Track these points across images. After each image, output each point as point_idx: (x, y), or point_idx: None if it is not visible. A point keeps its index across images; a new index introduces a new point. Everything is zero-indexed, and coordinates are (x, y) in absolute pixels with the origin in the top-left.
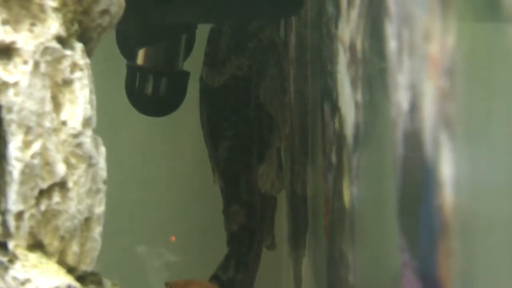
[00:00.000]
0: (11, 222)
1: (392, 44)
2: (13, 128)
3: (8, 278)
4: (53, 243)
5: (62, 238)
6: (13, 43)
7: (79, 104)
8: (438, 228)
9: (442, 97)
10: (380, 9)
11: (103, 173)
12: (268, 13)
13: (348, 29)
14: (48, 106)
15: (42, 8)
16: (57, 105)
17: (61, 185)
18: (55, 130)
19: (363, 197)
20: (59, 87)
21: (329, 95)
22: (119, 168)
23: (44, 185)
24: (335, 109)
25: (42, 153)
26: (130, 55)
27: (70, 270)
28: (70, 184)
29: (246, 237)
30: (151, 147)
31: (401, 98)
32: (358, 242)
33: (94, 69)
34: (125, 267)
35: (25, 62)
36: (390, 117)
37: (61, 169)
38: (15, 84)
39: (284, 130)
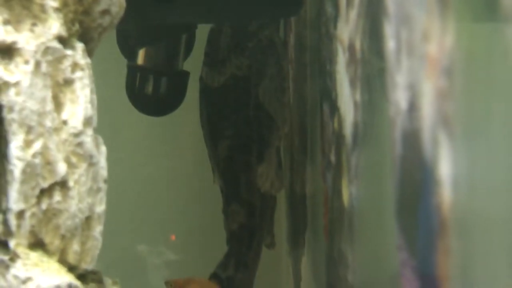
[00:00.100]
0: (12, 221)
1: (390, 44)
2: (14, 127)
3: (9, 276)
4: (54, 241)
5: (63, 237)
6: (14, 43)
7: (80, 104)
8: (436, 227)
9: (441, 97)
10: (378, 9)
11: (103, 172)
12: (268, 13)
13: (347, 29)
14: (49, 106)
15: (43, 8)
16: (58, 105)
17: (62, 184)
18: (56, 130)
19: (362, 197)
20: (60, 86)
21: (328, 95)
22: (120, 167)
23: (45, 184)
24: (334, 108)
25: (43, 152)
26: (130, 55)
27: (71, 268)
28: (71, 183)
29: (245, 236)
30: (152, 147)
31: (400, 97)
32: (357, 241)
33: (94, 69)
34: (125, 266)
35: (26, 62)
36: (389, 117)
37: (62, 168)
38: (16, 83)
39: (283, 129)
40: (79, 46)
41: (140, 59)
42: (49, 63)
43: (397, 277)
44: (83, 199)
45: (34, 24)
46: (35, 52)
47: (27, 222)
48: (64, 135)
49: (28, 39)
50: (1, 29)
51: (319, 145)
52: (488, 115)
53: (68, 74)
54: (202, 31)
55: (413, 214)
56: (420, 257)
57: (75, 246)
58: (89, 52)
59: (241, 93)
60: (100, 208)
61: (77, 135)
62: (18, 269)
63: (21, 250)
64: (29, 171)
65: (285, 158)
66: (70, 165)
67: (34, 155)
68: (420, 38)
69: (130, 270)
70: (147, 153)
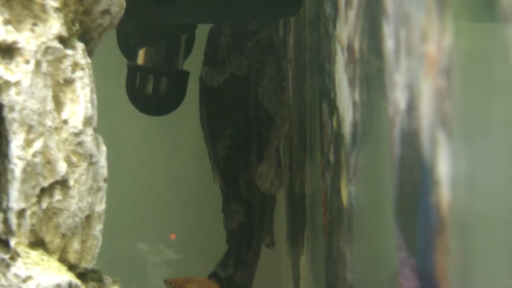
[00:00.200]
0: (13, 220)
1: (389, 44)
2: (14, 127)
3: (10, 275)
4: (54, 240)
5: (63, 236)
6: (15, 42)
7: (80, 103)
8: (435, 226)
9: (439, 96)
10: (377, 9)
11: (104, 171)
12: (267, 13)
13: (346, 29)
14: (50, 105)
15: (43, 8)
16: (58, 104)
17: (62, 183)
18: (57, 129)
19: (361, 196)
20: (61, 86)
21: (327, 95)
22: (120, 167)
23: (46, 183)
24: (333, 108)
25: (44, 151)
26: (130, 55)
27: (71, 267)
28: (71, 182)
29: (245, 235)
30: (152, 146)
31: (399, 97)
32: (356, 240)
33: (95, 69)
34: (125, 265)
35: (27, 62)
36: (387, 116)
37: (62, 167)
38: (17, 83)
39: (282, 129)
40: (80, 46)
41: (140, 59)
42: (50, 62)
43: (396, 276)
44: (83, 198)
45: (34, 24)
46: (36, 51)
47: (28, 221)
48: (64, 134)
49: (29, 39)
50: (2, 29)
51: (318, 144)
52: (486, 114)
53: (68, 73)
54: (202, 31)
55: (412, 213)
56: (419, 256)
57: (75, 245)
58: (89, 51)
59: (241, 93)
60: (100, 207)
61: (77, 134)
62: (18, 268)
63: (22, 249)
64: (30, 170)
65: (285, 157)
66: (71, 164)
67: (34, 154)
68: (418, 38)
69: (130, 269)
70: (147, 152)
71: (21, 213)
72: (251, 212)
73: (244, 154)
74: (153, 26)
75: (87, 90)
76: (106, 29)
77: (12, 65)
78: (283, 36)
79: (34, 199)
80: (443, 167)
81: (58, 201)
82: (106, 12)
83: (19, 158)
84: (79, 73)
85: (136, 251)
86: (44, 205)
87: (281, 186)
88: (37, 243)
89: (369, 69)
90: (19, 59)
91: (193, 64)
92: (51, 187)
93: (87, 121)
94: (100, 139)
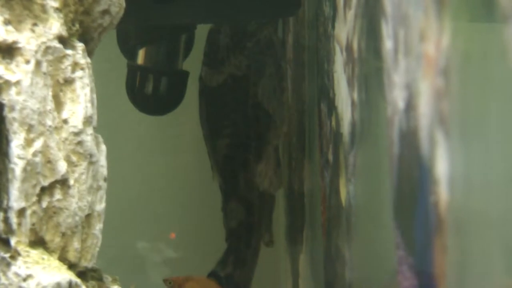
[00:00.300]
0: (13, 219)
1: (388, 44)
2: (15, 126)
3: (10, 274)
4: (54, 239)
5: (63, 235)
6: (15, 42)
7: (80, 103)
8: (433, 225)
9: (437, 96)
10: (376, 9)
11: (103, 170)
12: (266, 13)
13: (345, 29)
14: (50, 105)
15: (43, 8)
16: (58, 104)
17: (62, 183)
18: (57, 129)
19: (359, 195)
20: (61, 86)
21: (326, 94)
22: (120, 166)
23: (46, 182)
24: (332, 107)
25: (44, 151)
26: (130, 54)
27: (71, 266)
28: (71, 181)
29: (244, 234)
30: (151, 145)
31: (397, 97)
32: (355, 239)
33: (95, 68)
34: (125, 263)
35: (27, 61)
36: (386, 116)
37: (62, 166)
38: (17, 83)
39: (281, 128)
40: (79, 45)
41: (140, 58)
42: (50, 62)
43: (394, 275)
44: (83, 197)
45: (34, 24)
46: (36, 51)
47: (28, 220)
48: (64, 134)
49: (29, 39)
50: (2, 29)
51: (317, 143)
52: (484, 114)
53: (68, 73)
54: (202, 31)
55: (410, 212)
56: (417, 255)
57: (75, 244)
58: (89, 51)
59: (240, 93)
60: (100, 206)
61: (77, 134)
62: (19, 267)
63: (22, 248)
64: (30, 170)
65: (284, 156)
66: (70, 164)
67: (34, 154)
68: (417, 38)
69: (130, 267)
70: (147, 151)
71: (21, 212)
72: (250, 211)
73: (244, 153)
74: (153, 26)
75: (87, 90)
76: (106, 29)
77: (13, 65)
78: (282, 36)
79: (34, 198)
80: (441, 166)
81: (58, 200)
82: (106, 12)
83: (20, 158)
84: (79, 73)
85: (136, 250)
86: (44, 204)
87: (280, 185)
88: (37, 242)
89: (367, 69)
90: (19, 59)
91: (193, 64)
92: (51, 186)
93: (87, 121)
94: (100, 139)
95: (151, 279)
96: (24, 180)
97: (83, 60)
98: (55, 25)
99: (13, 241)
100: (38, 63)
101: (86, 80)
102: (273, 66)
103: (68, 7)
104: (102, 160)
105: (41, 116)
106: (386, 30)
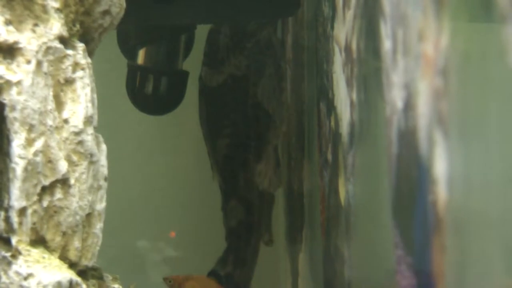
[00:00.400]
0: (14, 218)
1: (387, 44)
2: (16, 126)
3: (11, 273)
4: (55, 238)
5: (64, 234)
6: (16, 43)
7: (80, 103)
8: (432, 224)
9: (436, 96)
10: (375, 9)
11: (104, 170)
12: (266, 13)
13: (344, 29)
14: (50, 105)
15: (44, 9)
16: (59, 104)
17: (63, 182)
18: (57, 128)
19: (358, 194)
20: (61, 86)
21: (325, 94)
22: (120, 165)
23: (46, 182)
24: (331, 108)
25: (44, 150)
26: (131, 54)
27: (72, 265)
28: (72, 181)
29: (244, 233)
30: (151, 145)
31: (396, 97)
32: (354, 238)
33: (95, 68)
34: (125, 262)
35: (28, 62)
36: (385, 116)
37: (63, 166)
38: (18, 83)
39: (281, 128)
40: (80, 46)
41: (140, 58)
42: (50, 62)
43: (393, 274)
44: (84, 196)
45: (35, 24)
46: (37, 51)
47: (29, 219)
48: (65, 133)
49: (30, 39)
50: (3, 29)
51: (316, 143)
52: (483, 114)
53: (69, 73)
54: (202, 31)
55: (409, 211)
56: (416, 254)
57: (76, 243)
58: (89, 52)
59: (240, 93)
60: (101, 205)
61: (78, 133)
62: (19, 266)
63: (23, 247)
64: (31, 169)
65: (283, 156)
66: (71, 163)
67: (35, 153)
68: (415, 38)
69: (130, 266)
70: (147, 151)
71: (22, 212)
72: (250, 210)
73: (243, 153)
74: (153, 26)
75: (88, 90)
76: (106, 29)
77: (14, 65)
78: (282, 37)
79: (35, 198)
80: (440, 166)
81: (59, 199)
82: (106, 12)
83: (20, 157)
84: (79, 73)
85: (136, 249)
86: (45, 203)
87: (279, 184)
88: (38, 241)
89: (366, 69)
90: (20, 59)
91: (193, 64)
92: (52, 185)
93: (88, 121)
94: (101, 138)
95: (151, 278)
96: (25, 180)
97: (83, 60)
98: (56, 26)
99: (14, 240)
100: (39, 63)
101: (87, 80)
102: (272, 66)
103: (69, 7)
104: (103, 160)
105: (42, 116)
106: (385, 30)
